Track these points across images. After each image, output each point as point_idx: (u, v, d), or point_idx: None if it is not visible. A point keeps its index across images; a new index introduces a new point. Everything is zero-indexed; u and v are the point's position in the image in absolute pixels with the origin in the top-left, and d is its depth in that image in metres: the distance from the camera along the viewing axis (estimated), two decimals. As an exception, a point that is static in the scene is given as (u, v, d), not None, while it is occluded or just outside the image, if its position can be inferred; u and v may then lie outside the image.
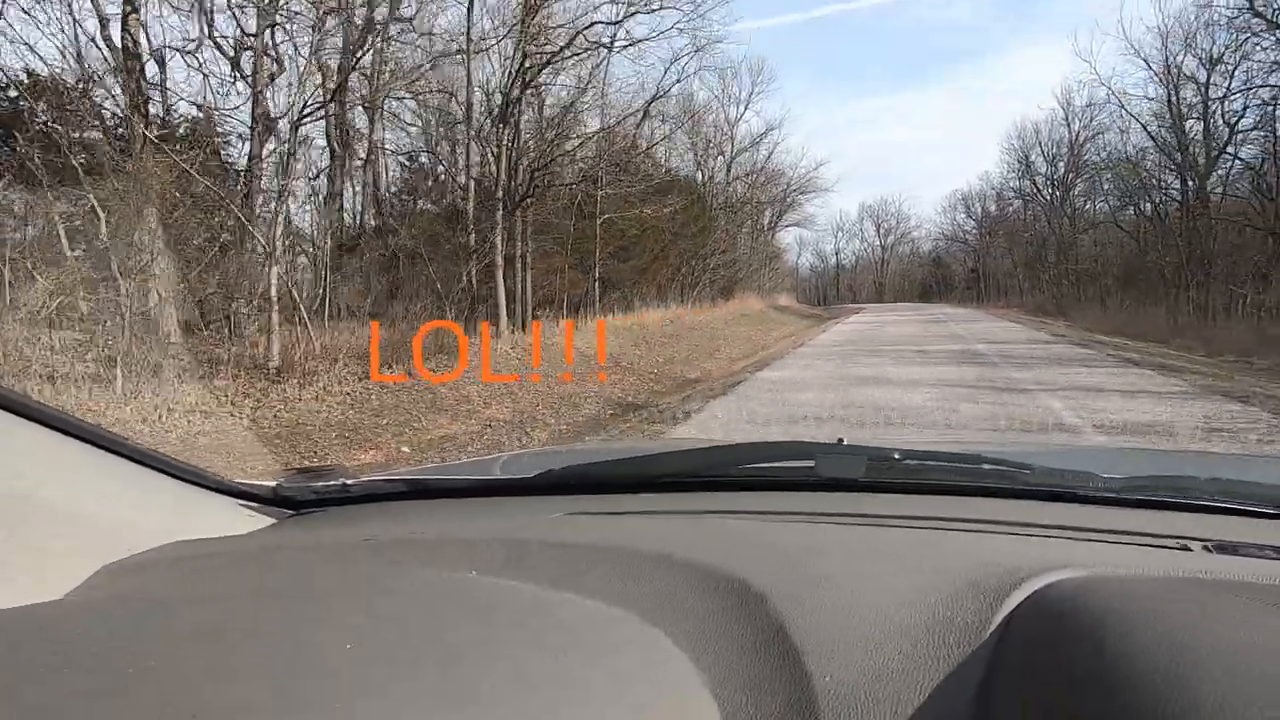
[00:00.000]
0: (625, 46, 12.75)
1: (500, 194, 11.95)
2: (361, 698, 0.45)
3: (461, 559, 0.72)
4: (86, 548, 0.72)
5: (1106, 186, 28.99)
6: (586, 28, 11.27)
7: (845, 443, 1.02)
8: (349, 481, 1.02)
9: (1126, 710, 0.42)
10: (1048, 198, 36.32)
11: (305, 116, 8.98)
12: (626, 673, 0.51)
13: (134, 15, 8.11)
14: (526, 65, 11.67)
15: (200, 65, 9.54)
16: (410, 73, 11.42)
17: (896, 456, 0.95)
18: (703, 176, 26.21)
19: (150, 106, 8.58)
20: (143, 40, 8.63)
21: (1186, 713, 0.39)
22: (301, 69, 9.07)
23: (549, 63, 11.70)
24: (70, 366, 5.24)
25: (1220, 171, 21.09)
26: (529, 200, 12.85)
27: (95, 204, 5.82)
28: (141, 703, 0.43)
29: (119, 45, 8.22)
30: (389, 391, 7.07)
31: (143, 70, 8.37)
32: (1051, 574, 0.60)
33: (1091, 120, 29.68)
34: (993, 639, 0.53)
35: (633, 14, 11.22)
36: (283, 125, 9.54)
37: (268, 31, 9.39)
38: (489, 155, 12.80)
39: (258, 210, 9.68)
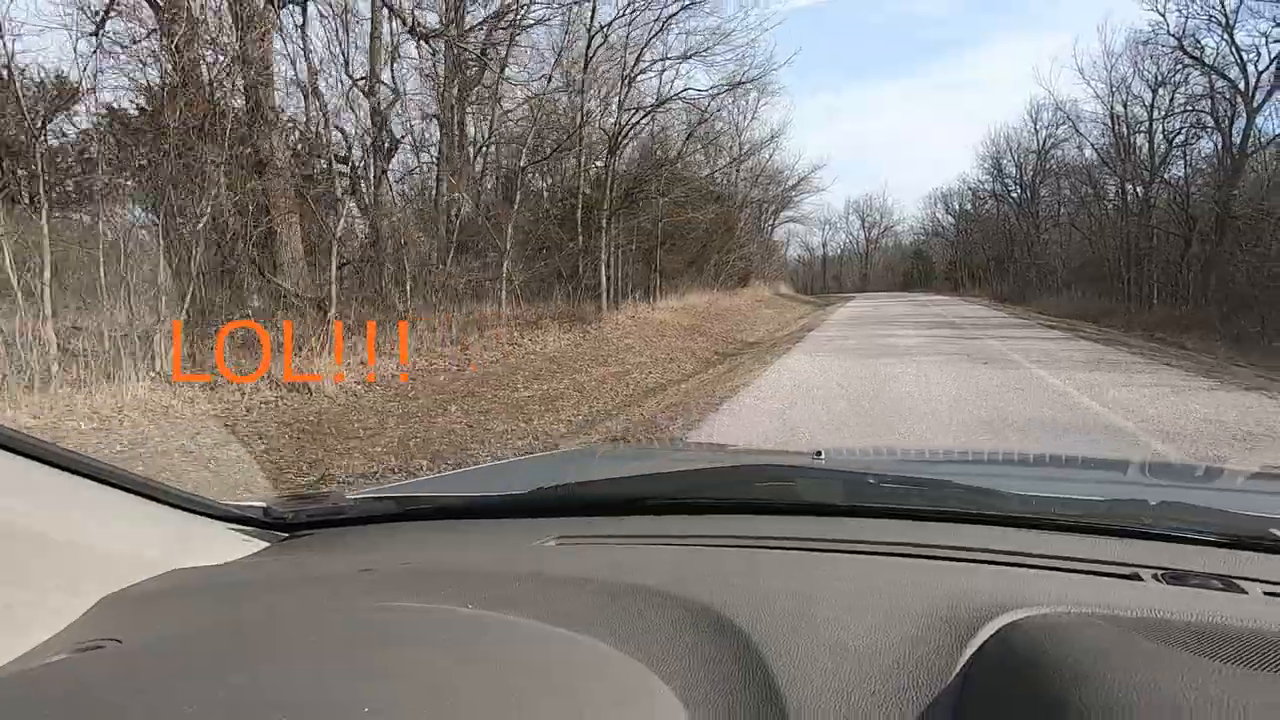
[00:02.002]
0: (695, 95, 17.20)
1: (607, 206, 16.36)
2: None
3: (455, 589, 0.74)
4: (84, 581, 0.73)
5: (1066, 193, 33.69)
6: (680, 93, 15.69)
7: (824, 457, 1.12)
8: (339, 503, 1.05)
9: None
10: (1016, 199, 41.18)
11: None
12: (616, 710, 0.53)
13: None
14: (624, 121, 16.13)
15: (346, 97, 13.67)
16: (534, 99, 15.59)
17: (871, 481, 1.03)
18: (724, 180, 30.66)
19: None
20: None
21: None
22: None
23: (643, 119, 16.14)
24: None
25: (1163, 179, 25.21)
26: (622, 212, 17.29)
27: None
28: None
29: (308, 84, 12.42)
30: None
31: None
32: (1014, 613, 0.63)
33: (1057, 129, 34.31)
34: (957, 680, 0.56)
35: (723, 89, 15.70)
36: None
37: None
38: (586, 176, 17.16)
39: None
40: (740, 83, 16.22)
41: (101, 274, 5.94)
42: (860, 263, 72.95)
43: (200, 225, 6.86)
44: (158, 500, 0.85)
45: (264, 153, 10.10)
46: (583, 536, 0.93)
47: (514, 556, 0.87)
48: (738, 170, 33.70)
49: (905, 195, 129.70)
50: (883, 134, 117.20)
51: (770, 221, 42.12)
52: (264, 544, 0.97)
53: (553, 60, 16.44)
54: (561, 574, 0.77)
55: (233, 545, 0.93)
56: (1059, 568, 0.76)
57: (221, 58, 9.66)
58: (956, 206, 55.20)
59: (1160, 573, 0.74)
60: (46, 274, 5.46)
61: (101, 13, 10.15)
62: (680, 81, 17.97)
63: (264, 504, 1.00)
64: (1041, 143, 36.68)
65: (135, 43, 11.08)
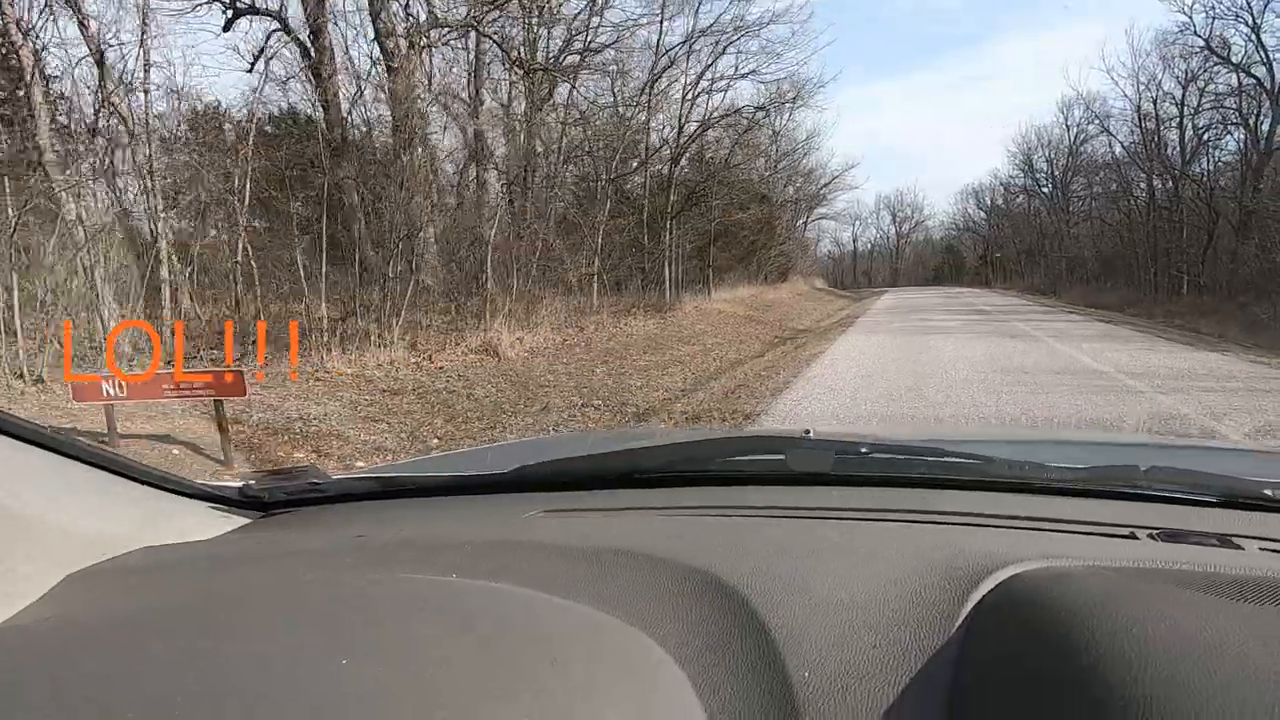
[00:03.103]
0: (750, 110, 19.31)
1: (670, 210, 18.52)
2: (343, 708, 0.44)
3: (440, 560, 0.72)
4: (51, 557, 0.71)
5: (1097, 187, 34.72)
6: (735, 111, 17.79)
7: (812, 434, 1.08)
8: (318, 480, 1.02)
9: (1082, 699, 0.44)
10: (1047, 193, 42.22)
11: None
12: (613, 673, 0.52)
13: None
14: (683, 136, 18.27)
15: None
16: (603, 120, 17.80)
17: (864, 450, 0.98)
18: (764, 181, 32.60)
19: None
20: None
21: (1135, 700, 0.42)
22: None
23: (700, 133, 18.30)
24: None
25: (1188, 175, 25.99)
26: (681, 215, 19.44)
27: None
28: None
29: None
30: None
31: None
32: (1013, 566, 0.62)
33: (1087, 125, 35.08)
34: (960, 632, 0.55)
35: (774, 104, 17.78)
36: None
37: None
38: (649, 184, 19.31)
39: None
40: (788, 101, 18.18)
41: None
42: (891, 257, 74.03)
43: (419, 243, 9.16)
44: (128, 477, 0.83)
45: (409, 171, 12.42)
46: (571, 509, 0.90)
47: (500, 529, 0.86)
48: (774, 170, 35.63)
49: (935, 191, 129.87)
50: (912, 129, 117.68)
51: (804, 218, 43.93)
52: (240, 522, 0.94)
53: (619, 81, 18.64)
54: (550, 542, 0.76)
55: (207, 523, 0.90)
56: (1055, 529, 0.76)
57: (365, 90, 12.03)
58: (988, 201, 56.24)
59: (1156, 532, 0.73)
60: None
61: (256, 54, 12.63)
62: (732, 92, 20.09)
63: (239, 483, 0.98)
64: (1073, 139, 37.57)
65: (289, 79, 13.57)
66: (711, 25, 17.34)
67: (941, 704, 0.50)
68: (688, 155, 20.81)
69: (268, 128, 13.48)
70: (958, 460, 0.96)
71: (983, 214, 58.20)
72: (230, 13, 12.94)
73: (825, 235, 68.63)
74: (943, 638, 0.55)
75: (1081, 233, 36.78)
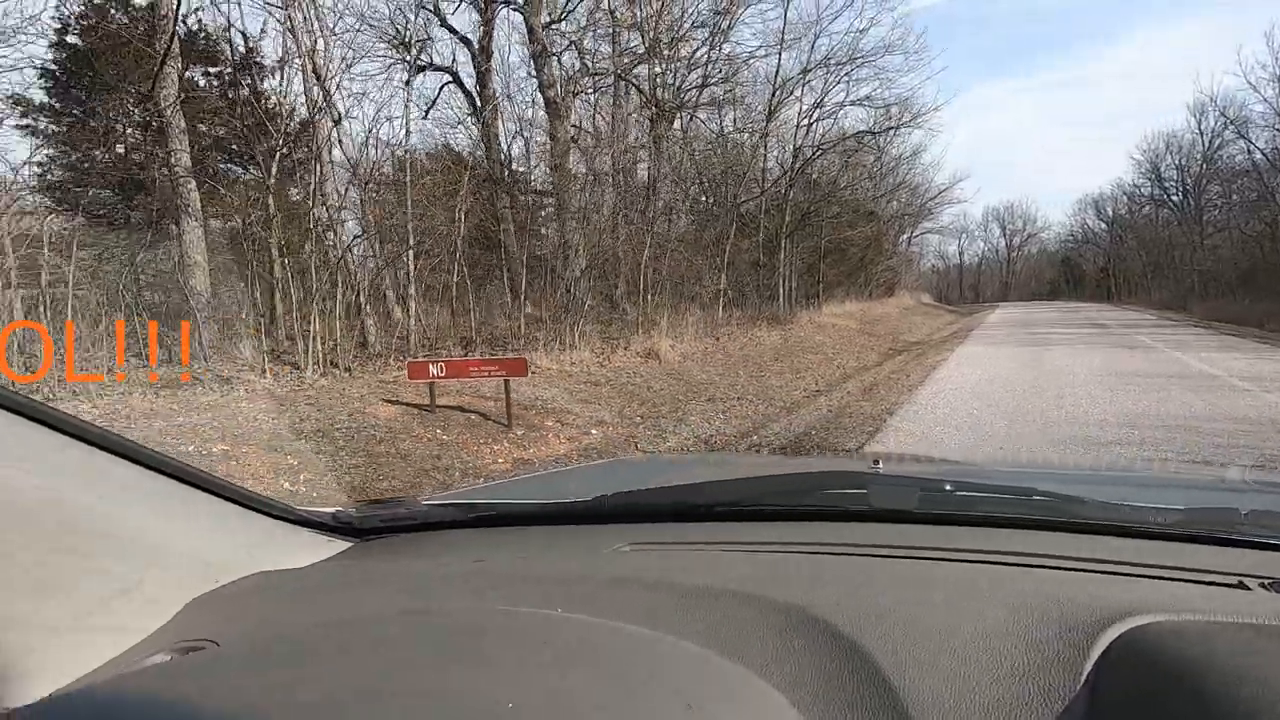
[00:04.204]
0: (867, 136, 20.40)
1: (785, 229, 19.81)
2: None
3: (536, 592, 0.75)
4: (176, 581, 0.76)
5: (1235, 196, 32.96)
6: (853, 135, 18.96)
7: (881, 467, 1.10)
8: (412, 510, 1.06)
9: None
10: (1177, 203, 40.17)
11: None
12: (716, 707, 0.52)
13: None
14: (797, 161, 19.59)
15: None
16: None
17: (948, 487, 0.97)
18: (869, 197, 33.22)
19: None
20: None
21: None
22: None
23: (815, 158, 19.56)
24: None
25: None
26: (795, 233, 20.70)
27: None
28: None
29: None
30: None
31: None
32: (1134, 619, 0.60)
33: (1223, 130, 33.29)
34: (1086, 687, 0.54)
35: (887, 129, 18.87)
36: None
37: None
38: (763, 203, 20.70)
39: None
40: (901, 125, 19.20)
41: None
42: (1001, 271, 71.47)
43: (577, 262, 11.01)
44: (235, 503, 0.88)
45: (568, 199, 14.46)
46: (654, 543, 0.92)
47: (591, 561, 0.88)
48: (877, 186, 36.00)
49: (1048, 202, 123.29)
50: (1021, 139, 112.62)
51: (909, 233, 43.75)
52: (337, 547, 0.98)
53: (738, 111, 20.20)
54: (638, 578, 0.77)
55: (307, 549, 0.95)
56: (1160, 576, 0.73)
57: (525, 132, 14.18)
58: (1109, 212, 53.73)
59: (1268, 581, 0.70)
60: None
61: (430, 103, 15.10)
62: (843, 115, 21.31)
63: (332, 510, 1.02)
64: (1206, 144, 35.92)
65: (458, 124, 16.04)
66: (826, 57, 18.64)
67: None
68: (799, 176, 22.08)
69: (423, 158, 15.98)
70: (1048, 500, 0.95)
71: (1104, 225, 55.60)
72: (413, 70, 15.56)
73: (929, 250, 67.64)
74: (1069, 689, 0.54)
75: (1215, 244, 34.93)
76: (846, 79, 19.25)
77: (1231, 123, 29.68)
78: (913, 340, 18.18)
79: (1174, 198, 40.32)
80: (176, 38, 6.99)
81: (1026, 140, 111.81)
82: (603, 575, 0.81)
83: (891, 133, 20.48)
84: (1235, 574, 0.73)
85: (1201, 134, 35.73)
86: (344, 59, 9.87)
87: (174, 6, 6.87)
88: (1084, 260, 61.82)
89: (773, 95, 19.16)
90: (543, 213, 15.80)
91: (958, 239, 70.56)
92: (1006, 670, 0.56)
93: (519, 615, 0.67)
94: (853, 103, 19.88)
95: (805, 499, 1.02)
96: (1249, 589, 0.70)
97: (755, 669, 0.57)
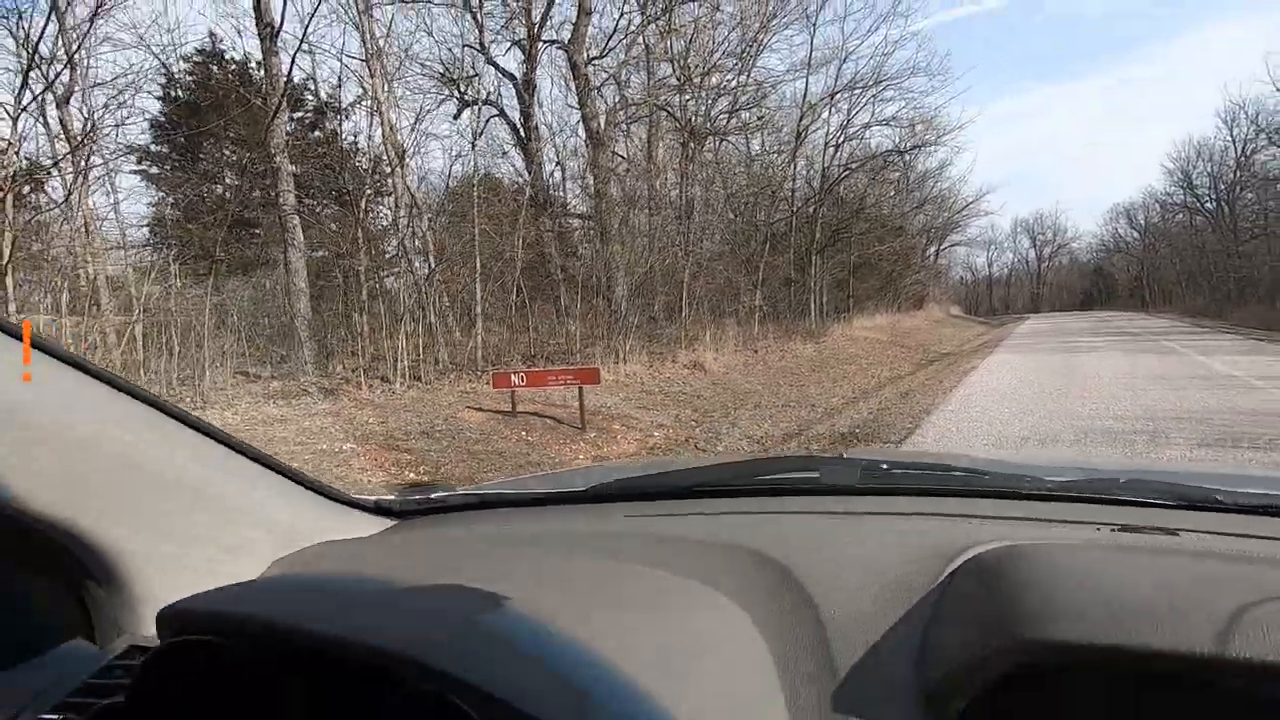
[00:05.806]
0: (894, 155, 21.10)
1: (815, 246, 20.51)
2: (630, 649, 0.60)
3: (563, 549, 0.97)
4: (261, 547, 0.94)
5: (1271, 202, 32.69)
6: (880, 154, 19.68)
7: (845, 455, 1.34)
8: (435, 495, 1.24)
9: (1004, 614, 0.64)
10: (1210, 210, 39.81)
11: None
12: (704, 618, 0.74)
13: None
14: (826, 180, 20.34)
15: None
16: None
17: (885, 466, 1.21)
18: (896, 210, 33.73)
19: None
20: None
21: (1051, 610, 0.62)
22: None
23: (844, 178, 20.33)
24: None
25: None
26: (826, 249, 21.37)
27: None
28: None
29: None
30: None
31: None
32: (982, 546, 0.83)
33: (1256, 137, 33.31)
34: (939, 588, 0.77)
35: (909, 149, 19.53)
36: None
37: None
38: (794, 222, 21.45)
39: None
40: (925, 144, 19.93)
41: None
42: (1031, 282, 70.83)
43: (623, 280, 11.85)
44: (298, 483, 1.02)
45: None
46: (643, 515, 1.11)
47: (596, 526, 1.09)
48: (905, 199, 36.43)
49: (1077, 212, 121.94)
50: (1048, 150, 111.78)
51: (936, 245, 43.93)
52: (384, 524, 1.15)
53: (768, 134, 21.05)
54: (637, 535, 1.01)
55: (359, 525, 1.10)
56: (1032, 519, 0.95)
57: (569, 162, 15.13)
58: (1141, 220, 53.25)
59: (1117, 527, 0.90)
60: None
61: (476, 134, 16.20)
62: (869, 134, 22.09)
63: (374, 498, 1.17)
64: (1239, 151, 35.66)
65: (504, 154, 17.13)
66: (853, 81, 19.44)
67: (919, 635, 0.72)
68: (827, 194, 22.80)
69: (459, 186, 17.03)
70: (960, 473, 1.20)
71: (1136, 234, 55.10)
72: (463, 106, 16.69)
73: (957, 262, 67.33)
74: (928, 589, 0.77)
75: (1251, 250, 34.55)
76: (873, 100, 20.04)
77: (1262, 130, 29.65)
78: (944, 351, 18.68)
79: (1207, 205, 40.03)
80: (286, 95, 8.03)
81: (1054, 148, 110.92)
82: (604, 533, 1.04)
83: (917, 150, 21.07)
84: (1099, 523, 0.91)
85: (1234, 141, 35.62)
86: (413, 107, 10.87)
87: (287, 69, 7.93)
88: (1116, 270, 61.15)
89: (800, 118, 19.98)
90: (582, 235, 16.75)
91: (986, 250, 70.20)
92: (891, 578, 0.80)
93: (549, 558, 0.91)
94: (879, 123, 20.67)
95: (768, 478, 1.22)
96: (1100, 530, 0.90)
97: (725, 590, 0.78)
